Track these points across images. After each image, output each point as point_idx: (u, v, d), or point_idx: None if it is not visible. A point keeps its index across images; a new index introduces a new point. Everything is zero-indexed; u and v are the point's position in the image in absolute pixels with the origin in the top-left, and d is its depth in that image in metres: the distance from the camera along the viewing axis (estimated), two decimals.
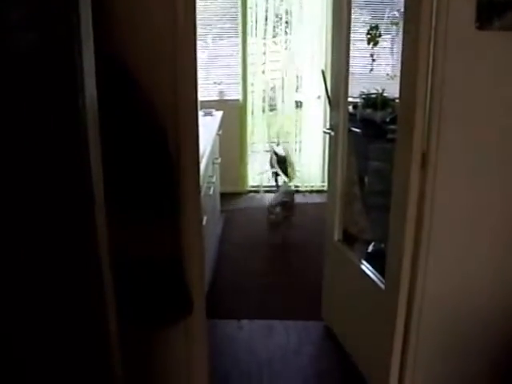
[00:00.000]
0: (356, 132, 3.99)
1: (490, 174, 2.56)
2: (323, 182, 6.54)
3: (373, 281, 3.07)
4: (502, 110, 2.49)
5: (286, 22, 6.73)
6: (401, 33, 2.75)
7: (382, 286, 2.95)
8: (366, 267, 3.21)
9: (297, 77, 6.90)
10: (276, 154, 6.61)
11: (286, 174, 6.63)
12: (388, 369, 2.82)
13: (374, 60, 5.43)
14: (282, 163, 6.60)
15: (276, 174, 6.71)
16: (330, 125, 3.58)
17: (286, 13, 6.67)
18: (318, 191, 6.71)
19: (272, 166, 6.76)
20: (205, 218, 3.43)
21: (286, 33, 6.82)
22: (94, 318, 1.83)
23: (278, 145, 6.88)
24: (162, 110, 2.38)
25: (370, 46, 4.98)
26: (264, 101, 6.90)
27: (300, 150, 6.98)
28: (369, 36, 4.88)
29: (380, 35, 4.93)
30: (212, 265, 4.57)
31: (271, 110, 7.01)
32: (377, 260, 3.16)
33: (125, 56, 2.26)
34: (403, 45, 2.64)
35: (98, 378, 1.89)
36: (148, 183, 2.44)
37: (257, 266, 4.78)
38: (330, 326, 3.75)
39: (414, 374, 2.78)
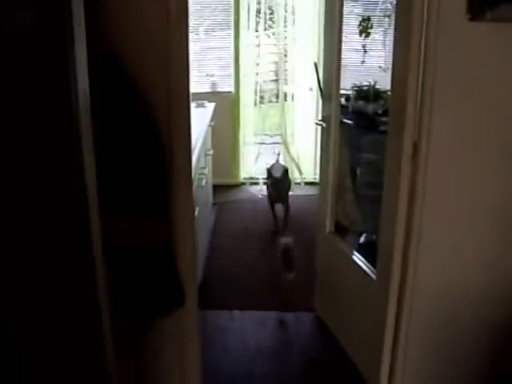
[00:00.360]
0: (348, 124, 4.00)
1: (481, 164, 2.57)
2: (315, 174, 6.54)
3: (364, 271, 3.09)
4: (493, 100, 2.50)
5: (283, 16, 6.71)
6: (393, 25, 2.75)
7: (374, 276, 2.96)
8: (357, 258, 3.23)
9: (289, 69, 6.90)
10: (270, 174, 5.53)
11: (281, 198, 5.53)
12: (379, 358, 2.84)
13: (365, 51, 5.43)
14: (278, 188, 5.47)
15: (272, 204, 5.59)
16: (322, 116, 3.58)
17: (279, 5, 6.66)
18: (310, 183, 6.72)
19: (268, 192, 5.68)
20: (197, 210, 3.44)
21: (278, 25, 6.81)
22: (88, 314, 1.83)
23: (271, 136, 6.83)
24: (154, 101, 2.39)
25: (362, 37, 4.99)
26: (256, 93, 6.89)
27: (292, 143, 6.97)
28: (360, 27, 4.89)
29: (372, 27, 4.94)
30: (204, 257, 4.58)
31: (263, 103, 7.01)
32: (368, 251, 3.18)
33: (116, 48, 2.26)
34: (395, 36, 2.65)
35: (90, 373, 1.90)
36: (140, 175, 2.45)
37: (249, 258, 4.78)
38: (322, 317, 3.77)
39: (405, 362, 2.80)
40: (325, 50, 3.65)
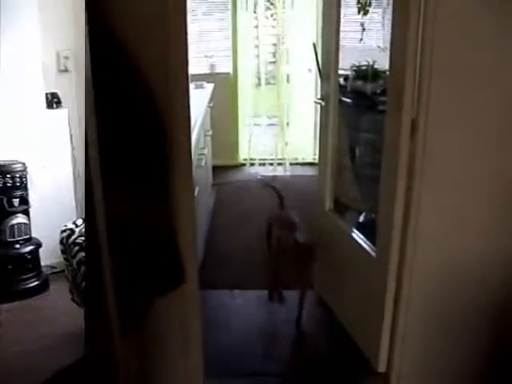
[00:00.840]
0: (347, 103, 4.00)
1: (480, 140, 2.58)
2: (315, 154, 6.57)
3: (364, 249, 3.10)
4: (492, 76, 2.51)
5: None
6: (391, 4, 2.75)
7: (373, 254, 2.98)
8: (356, 236, 3.24)
9: (288, 50, 6.88)
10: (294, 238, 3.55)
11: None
12: (379, 334, 2.87)
13: (364, 29, 5.41)
14: (300, 265, 3.51)
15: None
16: (321, 95, 3.59)
17: None
18: (310, 164, 6.75)
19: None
20: (197, 190, 3.45)
21: (277, 7, 6.78)
22: (94, 300, 1.85)
23: (269, 118, 6.84)
24: (153, 82, 2.39)
25: (361, 15, 4.97)
26: (255, 74, 6.89)
27: (292, 124, 6.98)
28: (359, 5, 4.87)
29: (370, 4, 4.91)
30: (204, 237, 4.60)
31: (262, 84, 7.00)
32: (368, 230, 3.19)
33: (115, 29, 2.26)
34: (393, 15, 2.65)
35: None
36: (141, 155, 2.46)
37: (248, 238, 4.80)
38: (321, 295, 3.78)
39: (404, 339, 2.82)
40: (323, 29, 3.65)
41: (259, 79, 6.91)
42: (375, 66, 4.37)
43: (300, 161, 6.96)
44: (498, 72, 2.50)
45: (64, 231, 3.44)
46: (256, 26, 6.82)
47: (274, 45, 6.98)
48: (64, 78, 4.65)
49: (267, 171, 6.79)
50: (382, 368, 2.94)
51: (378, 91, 4.07)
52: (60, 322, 3.81)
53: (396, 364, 2.87)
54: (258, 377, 3.11)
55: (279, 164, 6.87)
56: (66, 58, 4.60)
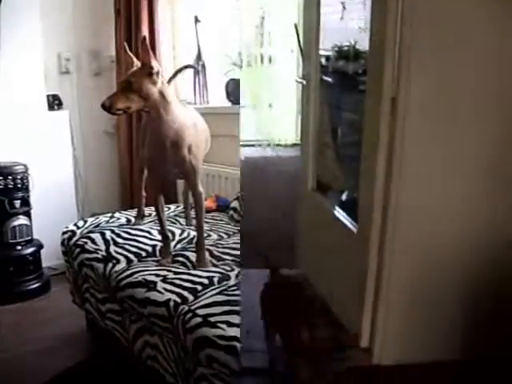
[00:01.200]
0: (329, 82, 4.01)
1: (461, 117, 2.60)
2: (297, 136, 6.58)
3: (346, 227, 3.11)
4: (472, 54, 2.52)
5: None
6: None
7: (355, 231, 3.00)
8: (339, 213, 3.26)
9: (270, 32, 6.88)
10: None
11: None
12: (361, 310, 2.89)
13: (344, 8, 5.42)
14: None
15: None
16: (303, 74, 3.59)
17: None
18: (294, 145, 6.76)
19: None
20: None
21: None
22: None
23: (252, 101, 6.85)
24: None
25: None
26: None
27: (275, 105, 6.99)
28: None
29: None
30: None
31: (244, 65, 7.00)
32: (350, 208, 3.21)
33: None
34: None
35: None
36: None
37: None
38: (304, 273, 3.78)
39: (387, 314, 2.83)
40: (304, 9, 3.65)
41: (242, 61, 6.91)
42: (357, 47, 4.38)
43: (283, 142, 6.97)
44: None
45: (65, 233, 3.46)
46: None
47: (257, 27, 6.97)
48: (65, 80, 4.66)
49: (252, 152, 6.80)
50: (364, 343, 2.96)
51: (360, 71, 4.09)
52: (61, 323, 3.83)
53: (378, 339, 2.88)
54: (243, 353, 3.12)
55: (264, 145, 6.88)
56: (67, 59, 4.60)
